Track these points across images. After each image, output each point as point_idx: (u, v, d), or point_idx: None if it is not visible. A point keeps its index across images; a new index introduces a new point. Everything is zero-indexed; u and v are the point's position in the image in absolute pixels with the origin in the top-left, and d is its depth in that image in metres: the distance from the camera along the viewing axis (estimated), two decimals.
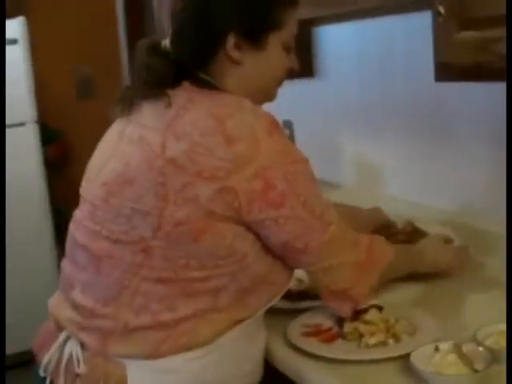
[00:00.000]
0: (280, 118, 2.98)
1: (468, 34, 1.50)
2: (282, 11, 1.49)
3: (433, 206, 2.26)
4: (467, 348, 1.39)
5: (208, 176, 1.34)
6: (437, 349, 1.41)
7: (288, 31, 1.52)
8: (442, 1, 1.54)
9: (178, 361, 1.41)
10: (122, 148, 1.48)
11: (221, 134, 1.36)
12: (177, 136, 1.38)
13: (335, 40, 2.71)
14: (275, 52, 1.51)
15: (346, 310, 1.56)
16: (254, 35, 1.48)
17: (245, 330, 1.46)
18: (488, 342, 1.42)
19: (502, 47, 1.43)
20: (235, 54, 1.47)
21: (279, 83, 1.57)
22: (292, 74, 1.57)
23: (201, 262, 1.39)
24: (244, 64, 1.48)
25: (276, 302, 1.53)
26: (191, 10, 1.48)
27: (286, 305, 1.74)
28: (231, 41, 1.46)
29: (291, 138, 2.97)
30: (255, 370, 1.53)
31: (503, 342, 1.42)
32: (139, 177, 1.40)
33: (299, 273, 1.83)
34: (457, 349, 1.38)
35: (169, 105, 1.41)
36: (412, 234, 1.97)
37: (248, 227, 1.40)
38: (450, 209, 2.19)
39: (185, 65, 1.47)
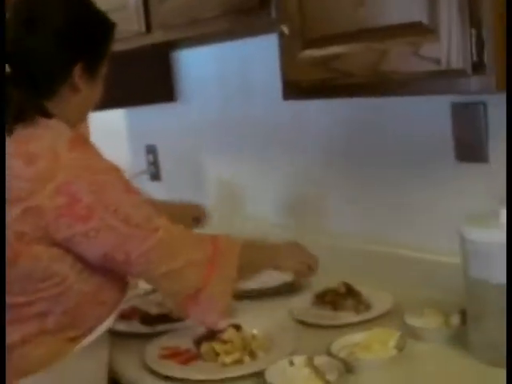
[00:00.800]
0: (144, 143, 3.01)
1: (310, 53, 1.53)
2: (110, 41, 1.56)
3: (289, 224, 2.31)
4: (321, 360, 1.42)
5: (13, 198, 1.34)
6: (291, 363, 1.42)
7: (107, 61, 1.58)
8: (286, 22, 1.57)
9: None
10: None
11: (22, 155, 1.36)
12: None
13: (195, 63, 2.71)
14: (100, 81, 1.56)
15: (209, 319, 1.51)
16: (95, 65, 1.53)
17: (81, 350, 1.44)
18: (342, 354, 1.45)
19: (341, 64, 1.46)
20: (79, 83, 1.49)
21: None
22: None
23: (22, 286, 1.38)
24: (82, 92, 1.51)
25: (111, 322, 1.49)
26: (35, 41, 1.45)
27: (145, 329, 1.72)
28: (78, 71, 1.48)
29: (155, 162, 2.96)
30: None
31: (358, 353, 1.45)
32: None
33: (159, 297, 1.82)
34: (310, 362, 1.40)
35: None
36: (344, 295, 1.80)
37: (65, 249, 1.37)
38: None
39: (27, 95, 1.44)
